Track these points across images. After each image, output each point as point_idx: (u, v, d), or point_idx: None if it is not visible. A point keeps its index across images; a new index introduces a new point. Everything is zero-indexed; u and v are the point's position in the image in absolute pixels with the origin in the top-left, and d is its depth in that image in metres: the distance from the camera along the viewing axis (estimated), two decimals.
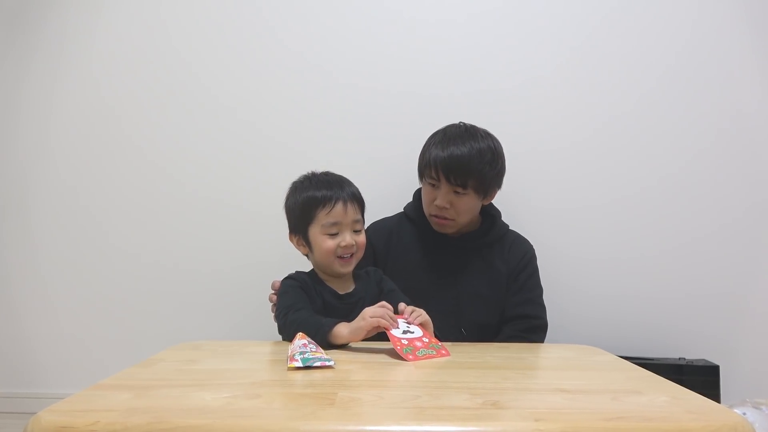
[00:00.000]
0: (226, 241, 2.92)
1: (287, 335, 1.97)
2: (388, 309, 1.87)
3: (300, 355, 1.60)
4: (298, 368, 1.57)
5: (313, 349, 1.66)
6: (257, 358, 1.84)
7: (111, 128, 2.94)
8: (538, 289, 2.51)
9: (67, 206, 2.95)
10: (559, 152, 2.87)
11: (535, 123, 2.87)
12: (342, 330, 1.86)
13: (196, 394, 1.33)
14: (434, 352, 1.83)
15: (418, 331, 1.88)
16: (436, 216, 2.42)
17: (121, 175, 2.94)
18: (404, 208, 2.63)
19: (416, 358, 1.76)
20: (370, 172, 2.73)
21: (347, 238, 2.09)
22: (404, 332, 1.85)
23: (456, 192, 2.36)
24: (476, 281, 2.45)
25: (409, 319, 1.91)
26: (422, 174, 2.44)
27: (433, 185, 2.39)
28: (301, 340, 1.72)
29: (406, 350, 1.77)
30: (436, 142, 2.39)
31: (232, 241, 2.92)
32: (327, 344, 1.84)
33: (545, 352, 2.06)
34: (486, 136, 2.41)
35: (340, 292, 2.13)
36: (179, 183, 2.93)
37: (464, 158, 2.32)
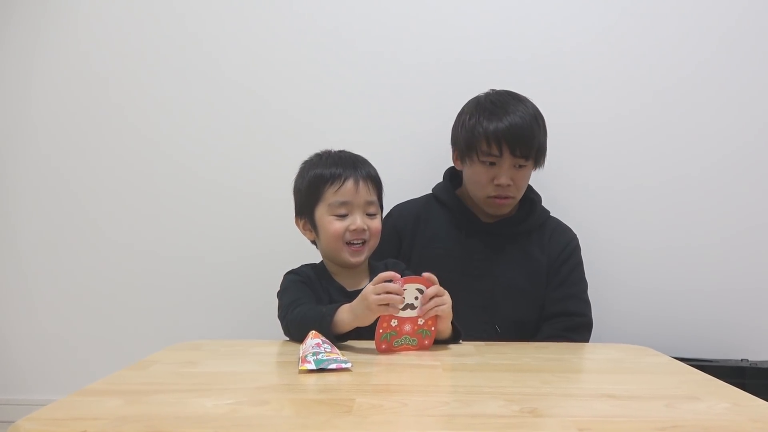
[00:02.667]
0: (230, 229, 2.92)
1: (291, 336, 1.98)
2: (395, 285, 1.80)
3: (313, 356, 1.60)
4: (311, 371, 1.56)
5: (327, 350, 1.65)
6: (264, 359, 1.84)
7: (99, 99, 2.94)
8: (582, 284, 2.51)
9: (50, 187, 2.95)
10: (606, 125, 2.85)
11: (577, 93, 2.85)
12: (345, 316, 1.84)
13: (195, 400, 1.32)
14: (415, 343, 1.86)
15: (420, 309, 1.86)
16: (497, 197, 2.41)
17: (111, 152, 2.94)
18: (433, 190, 2.63)
19: (390, 349, 1.81)
20: (392, 150, 2.74)
21: (357, 221, 2.07)
22: (405, 306, 1.83)
23: (516, 166, 2.37)
24: (513, 273, 2.45)
25: (424, 308, 1.86)
26: (472, 152, 2.40)
27: (492, 162, 2.38)
28: (313, 339, 1.71)
29: (384, 336, 1.81)
30: (482, 112, 2.38)
31: (237, 229, 2.92)
32: (333, 336, 1.83)
33: (590, 353, 2.05)
34: (527, 99, 2.43)
35: (350, 289, 2.10)
36: (176, 162, 2.92)
37: (526, 126, 2.33)
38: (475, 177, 2.42)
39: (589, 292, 2.50)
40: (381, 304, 1.78)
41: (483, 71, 2.82)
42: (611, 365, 1.85)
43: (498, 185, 2.37)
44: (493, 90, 2.47)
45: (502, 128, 2.32)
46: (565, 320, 2.41)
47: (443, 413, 1.27)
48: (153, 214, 2.94)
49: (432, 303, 1.85)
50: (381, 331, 1.80)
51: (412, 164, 2.80)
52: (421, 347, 1.87)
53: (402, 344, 1.84)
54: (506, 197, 2.41)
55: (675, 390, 1.51)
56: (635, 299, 2.84)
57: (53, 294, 2.96)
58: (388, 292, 1.78)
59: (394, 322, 1.81)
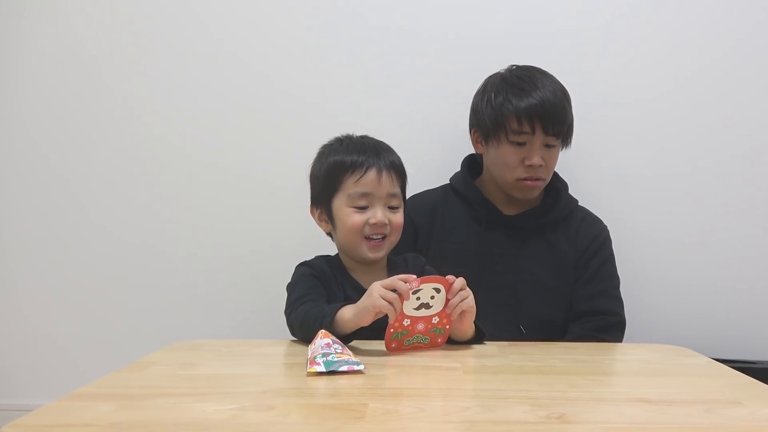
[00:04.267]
0: (233, 219, 2.91)
1: (295, 335, 1.98)
2: (400, 284, 1.78)
3: (322, 357, 1.59)
4: (320, 374, 1.56)
5: (338, 350, 1.65)
6: (270, 361, 1.84)
7: (91, 78, 2.93)
8: (613, 279, 2.51)
9: (38, 174, 2.94)
10: (639, 107, 2.83)
11: (608, 71, 2.84)
12: (347, 315, 1.83)
13: (194, 405, 1.32)
14: (427, 341, 1.86)
15: (436, 307, 1.86)
16: (528, 179, 2.40)
17: (103, 136, 2.93)
18: (450, 180, 2.62)
19: (400, 348, 1.81)
20: (405, 135, 2.70)
21: (378, 214, 2.06)
22: (419, 306, 1.83)
23: (547, 146, 2.37)
24: (538, 268, 2.44)
25: (450, 303, 1.85)
26: (500, 131, 2.39)
27: (521, 143, 2.37)
28: (323, 339, 1.71)
29: (395, 335, 1.81)
30: (510, 89, 2.38)
31: (241, 220, 2.91)
32: (337, 336, 1.80)
33: (622, 354, 2.05)
34: (550, 74, 2.43)
35: (366, 286, 1.99)
36: (174, 147, 2.92)
37: (558, 101, 2.34)
38: (503, 159, 2.41)
39: (621, 288, 2.49)
40: (385, 299, 1.76)
41: (504, 47, 2.80)
42: (645, 367, 1.85)
43: (529, 166, 2.37)
44: (515, 66, 2.46)
45: (534, 104, 2.32)
46: (596, 319, 2.40)
47: (464, 419, 1.26)
48: (149, 203, 2.93)
49: (458, 297, 1.85)
50: (392, 330, 1.80)
51: (427, 152, 2.80)
52: (433, 345, 1.88)
53: (413, 343, 1.84)
54: (537, 179, 2.40)
55: (715, 394, 1.50)
56: (671, 295, 2.83)
57: (40, 289, 2.95)
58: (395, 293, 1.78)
59: (406, 322, 1.81)
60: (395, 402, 1.36)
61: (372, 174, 2.05)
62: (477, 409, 1.31)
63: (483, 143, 2.47)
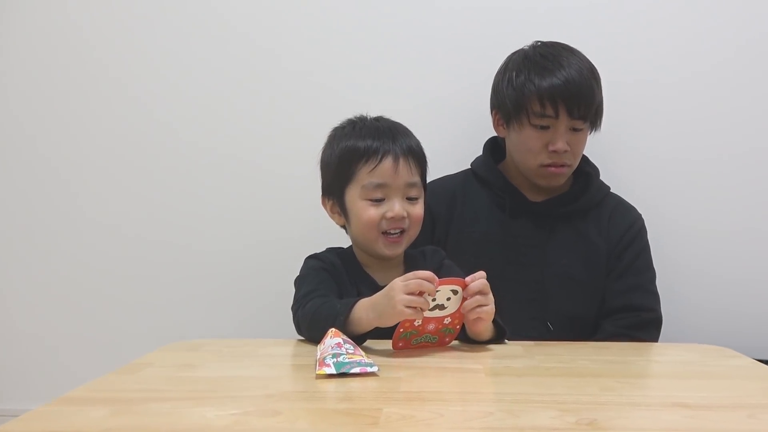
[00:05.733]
0: (236, 209, 2.91)
1: (302, 334, 1.98)
2: (430, 285, 1.76)
3: (332, 358, 1.59)
4: (330, 376, 1.55)
5: (350, 351, 1.64)
6: (275, 362, 1.85)
7: (82, 56, 2.93)
8: (648, 272, 2.50)
9: (24, 162, 2.94)
10: (677, 86, 2.82)
11: (643, 47, 2.82)
12: (363, 314, 1.81)
13: (194, 410, 1.32)
14: (435, 340, 1.87)
15: (452, 307, 1.85)
16: (552, 165, 2.40)
17: (95, 118, 2.93)
18: (471, 165, 2.62)
19: (406, 347, 1.82)
20: (424, 116, 2.69)
21: (396, 207, 2.03)
22: (433, 307, 1.82)
23: (573, 129, 2.36)
24: (567, 260, 2.44)
25: (464, 304, 1.84)
26: (521, 114, 2.38)
27: (544, 126, 2.36)
28: (333, 338, 1.70)
29: (404, 335, 1.81)
30: (532, 67, 2.37)
31: (244, 210, 2.91)
32: (350, 337, 1.79)
33: (658, 355, 2.05)
34: (578, 51, 2.42)
35: (382, 283, 1.99)
36: (173, 131, 2.91)
37: (584, 82, 2.33)
38: (526, 144, 2.41)
39: (657, 282, 2.49)
40: (410, 306, 1.74)
41: (529, 21, 2.80)
42: (683, 369, 1.85)
43: (553, 151, 2.36)
44: (539, 42, 2.45)
45: (558, 84, 2.30)
46: (630, 316, 2.40)
47: (486, 426, 1.25)
48: (145, 192, 2.92)
49: (474, 301, 1.83)
50: (402, 330, 1.80)
51: (446, 135, 2.79)
52: (441, 344, 1.89)
53: (421, 342, 1.85)
54: (562, 165, 2.40)
55: (759, 398, 1.49)
56: (711, 290, 2.82)
57: (26, 284, 2.96)
58: (421, 290, 1.75)
59: (417, 322, 1.81)
60: (411, 407, 1.36)
61: (388, 162, 2.02)
62: (500, 415, 1.31)
63: (504, 126, 2.47)
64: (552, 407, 1.35)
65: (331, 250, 2.17)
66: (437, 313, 1.82)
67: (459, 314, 1.86)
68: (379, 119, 2.16)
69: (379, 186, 2.02)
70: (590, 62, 2.39)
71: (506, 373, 1.69)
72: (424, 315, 1.80)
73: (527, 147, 2.40)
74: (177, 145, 2.90)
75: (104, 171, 2.92)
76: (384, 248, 2.06)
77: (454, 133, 2.76)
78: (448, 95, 2.82)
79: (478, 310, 1.83)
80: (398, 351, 1.82)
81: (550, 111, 2.32)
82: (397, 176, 2.02)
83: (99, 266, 2.93)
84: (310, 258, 2.14)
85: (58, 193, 2.93)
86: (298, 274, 2.13)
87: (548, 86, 2.31)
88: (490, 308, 1.85)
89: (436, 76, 2.83)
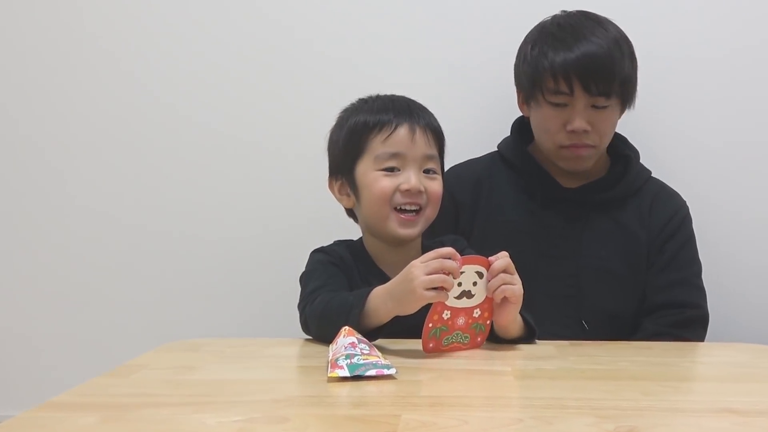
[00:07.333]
0: (240, 197, 2.90)
1: (311, 333, 1.98)
2: (452, 263, 1.75)
3: (346, 359, 1.58)
4: (344, 379, 1.55)
5: (365, 351, 1.63)
6: (283, 363, 1.85)
7: (68, 24, 2.91)
8: (694, 265, 2.49)
9: (7, 142, 2.93)
10: (726, 61, 2.79)
11: (688, 18, 2.79)
12: (379, 303, 1.80)
13: (193, 416, 1.32)
14: (467, 340, 1.86)
15: (479, 296, 1.85)
16: (572, 146, 2.39)
17: (85, 95, 2.91)
18: (498, 147, 2.61)
19: (438, 349, 1.80)
20: (445, 92, 2.70)
21: (412, 179, 2.01)
22: (460, 294, 1.81)
23: (595, 107, 2.34)
24: (604, 252, 2.43)
25: (489, 285, 1.83)
26: (537, 92, 2.38)
27: (561, 104, 2.35)
28: (347, 337, 1.69)
29: (434, 332, 1.79)
30: (547, 41, 2.36)
31: (248, 197, 2.90)
32: (366, 331, 1.80)
33: (705, 356, 2.06)
34: (609, 22, 2.39)
35: (393, 275, 1.95)
36: (171, 110, 2.90)
37: (603, 54, 2.30)
38: (544, 123, 2.41)
39: (703, 276, 2.48)
40: (430, 288, 1.72)
41: None
42: (732, 371, 1.85)
43: (572, 131, 2.35)
44: (564, 12, 2.44)
45: (571, 59, 2.29)
46: (673, 313, 2.39)
47: None
48: (139, 176, 2.91)
49: (499, 279, 1.82)
50: (431, 325, 1.79)
51: (470, 112, 2.78)
52: (473, 345, 1.88)
53: (452, 342, 1.84)
54: (584, 146, 2.38)
55: None
56: (763, 286, 2.81)
57: (9, 279, 2.95)
58: (443, 272, 1.73)
59: (446, 314, 1.80)
60: (433, 413, 1.35)
61: (404, 130, 2.02)
62: (530, 422, 1.30)
63: (526, 104, 2.47)
64: (588, 413, 1.34)
65: (338, 243, 2.17)
66: (465, 302, 1.82)
67: (488, 306, 1.86)
68: (393, 96, 2.15)
69: (394, 156, 2.02)
70: (619, 32, 2.37)
71: (537, 375, 1.68)
72: (451, 305, 1.79)
73: (545, 127, 2.40)
74: (177, 126, 2.89)
75: (95, 153, 2.91)
76: (397, 227, 2.03)
77: (479, 111, 2.75)
78: (473, 67, 2.80)
79: (505, 287, 1.81)
80: (419, 352, 1.81)
81: (564, 87, 2.31)
82: (413, 145, 2.02)
83: (89, 258, 2.92)
84: (316, 252, 2.14)
85: (45, 178, 2.92)
86: (304, 269, 2.13)
87: (561, 61, 2.29)
88: (518, 288, 1.84)
89: (460, 48, 2.82)
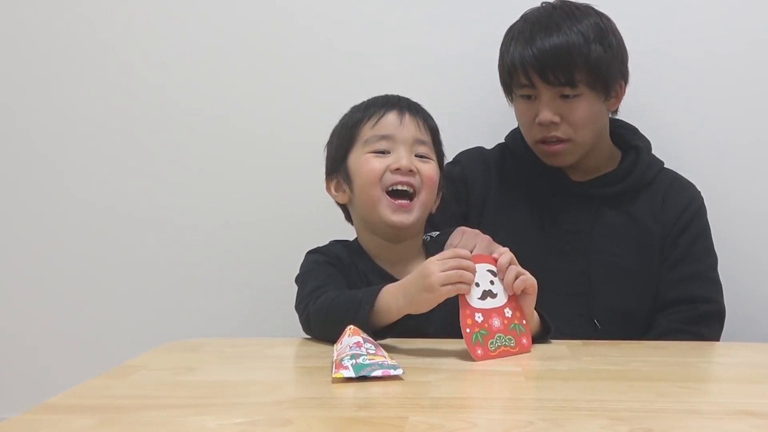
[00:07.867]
0: (241, 193, 2.91)
1: (313, 333, 1.98)
2: (465, 260, 1.77)
3: (351, 359, 1.58)
4: (349, 380, 1.55)
5: (371, 351, 1.63)
6: (286, 364, 1.86)
7: (69, 19, 2.91)
8: (709, 259, 2.48)
9: (4, 136, 2.93)
10: (742, 48, 2.78)
11: (700, 12, 2.78)
12: (391, 300, 1.80)
13: (193, 418, 1.32)
14: (513, 343, 1.84)
15: (501, 295, 1.85)
16: (543, 142, 2.39)
17: (81, 82, 2.92)
18: (506, 139, 2.62)
19: (486, 356, 1.77)
20: (448, 76, 2.70)
21: (402, 159, 2.01)
22: (483, 294, 1.81)
23: (564, 96, 2.33)
24: (616, 248, 2.43)
25: (505, 282, 1.84)
26: (508, 87, 2.42)
27: (529, 96, 2.36)
28: (352, 336, 1.69)
29: (476, 337, 1.77)
30: (515, 35, 2.37)
31: (250, 193, 2.91)
32: (376, 331, 1.80)
33: (722, 356, 2.06)
34: (587, 11, 2.37)
35: (398, 278, 1.96)
36: (171, 99, 2.91)
37: (561, 44, 2.28)
38: (520, 118, 2.45)
39: (720, 270, 2.47)
40: (448, 284, 1.72)
41: None
42: (750, 372, 1.85)
43: (539, 124, 2.35)
44: (547, 2, 2.43)
45: (528, 54, 2.29)
46: (688, 309, 2.38)
47: None
48: (137, 168, 2.92)
49: (512, 272, 1.82)
50: (468, 330, 1.77)
51: (474, 101, 2.79)
52: (521, 348, 1.85)
53: (499, 347, 1.81)
54: (557, 141, 2.37)
55: None
56: None
57: (3, 278, 2.95)
58: (460, 268, 1.74)
59: (479, 317, 1.79)
60: (441, 415, 1.34)
61: (392, 115, 2.05)
62: (542, 424, 1.29)
63: (509, 99, 2.49)
64: (601, 415, 1.34)
65: (334, 243, 2.18)
66: (491, 303, 1.82)
67: (517, 305, 1.86)
68: (387, 94, 2.18)
69: (383, 138, 2.04)
70: (593, 20, 2.34)
71: (549, 376, 1.69)
72: (479, 307, 1.79)
73: (521, 121, 2.43)
74: (177, 116, 2.90)
75: (93, 145, 2.91)
76: (390, 213, 2.02)
77: (486, 102, 2.73)
78: (475, 50, 2.79)
79: (523, 278, 1.82)
80: (427, 351, 1.81)
81: (523, 80, 2.32)
82: (402, 127, 2.05)
83: (86, 254, 2.92)
84: (312, 252, 2.15)
85: (40, 171, 2.93)
86: (299, 270, 2.14)
87: (519, 55, 2.31)
88: (532, 278, 1.85)
89: (463, 29, 2.82)
